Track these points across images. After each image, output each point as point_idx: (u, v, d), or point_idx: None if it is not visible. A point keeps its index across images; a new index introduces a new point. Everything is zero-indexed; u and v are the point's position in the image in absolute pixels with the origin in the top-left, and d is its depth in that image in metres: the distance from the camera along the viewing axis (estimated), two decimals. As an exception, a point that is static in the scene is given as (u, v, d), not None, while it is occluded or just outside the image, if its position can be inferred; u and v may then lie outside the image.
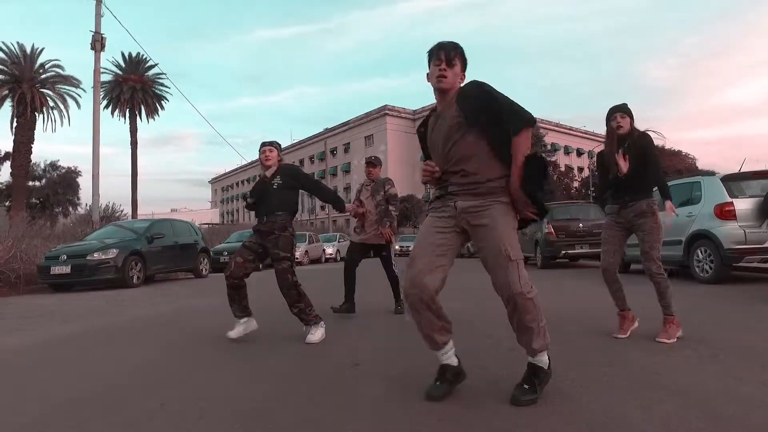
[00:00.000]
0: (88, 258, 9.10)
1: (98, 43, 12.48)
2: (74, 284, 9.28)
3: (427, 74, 2.23)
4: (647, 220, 3.36)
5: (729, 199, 6.45)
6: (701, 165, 34.77)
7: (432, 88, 2.25)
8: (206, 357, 3.39)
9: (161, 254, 10.59)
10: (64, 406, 2.36)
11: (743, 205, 6.39)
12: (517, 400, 2.09)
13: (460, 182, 2.16)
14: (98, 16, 12.21)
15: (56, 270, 8.98)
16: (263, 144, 3.89)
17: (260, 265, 3.90)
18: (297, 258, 5.26)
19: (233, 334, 3.72)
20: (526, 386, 2.14)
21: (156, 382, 2.76)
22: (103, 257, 9.17)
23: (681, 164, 34.94)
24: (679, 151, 37.99)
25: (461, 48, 2.22)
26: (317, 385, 2.57)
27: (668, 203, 3.70)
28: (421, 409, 2.12)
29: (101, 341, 4.18)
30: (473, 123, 2.11)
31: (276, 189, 3.75)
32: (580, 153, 58.15)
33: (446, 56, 2.16)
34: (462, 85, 2.23)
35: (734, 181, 6.70)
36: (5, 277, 9.13)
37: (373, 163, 5.20)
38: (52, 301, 7.50)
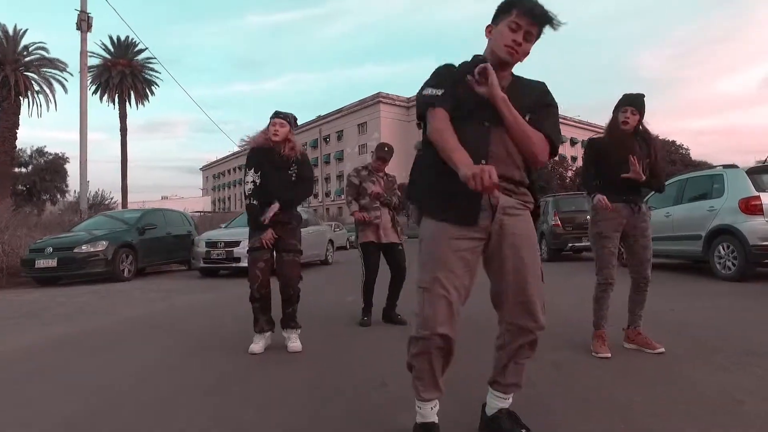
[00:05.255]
0: (76, 251, 8.62)
1: (84, 23, 11.81)
2: (61, 278, 8.83)
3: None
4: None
5: (756, 193, 6.14)
6: (693, 156, 34.68)
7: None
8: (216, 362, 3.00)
9: (153, 246, 10.13)
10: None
11: (770, 199, 6.09)
12: None
13: None
14: (84, -7, 11.55)
15: (41, 263, 8.51)
16: (277, 114, 3.32)
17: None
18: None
19: (257, 348, 3.28)
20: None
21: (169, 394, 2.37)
22: (92, 249, 8.71)
23: (675, 155, 34.79)
24: (673, 142, 37.75)
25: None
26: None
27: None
28: None
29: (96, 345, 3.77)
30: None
31: (294, 180, 3.34)
32: (573, 142, 57.91)
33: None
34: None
35: (760, 174, 6.40)
36: (-13, 270, 8.66)
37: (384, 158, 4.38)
38: (36, 296, 7.04)
